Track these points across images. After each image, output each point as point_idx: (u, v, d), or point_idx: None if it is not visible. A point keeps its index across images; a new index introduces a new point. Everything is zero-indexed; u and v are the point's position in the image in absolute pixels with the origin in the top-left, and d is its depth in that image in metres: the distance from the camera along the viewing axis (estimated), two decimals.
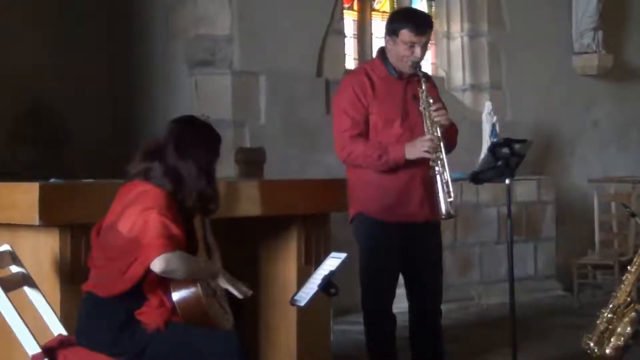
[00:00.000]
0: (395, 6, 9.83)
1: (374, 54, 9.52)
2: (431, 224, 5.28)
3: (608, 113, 10.92)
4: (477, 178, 5.25)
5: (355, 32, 9.47)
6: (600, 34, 10.54)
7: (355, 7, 9.50)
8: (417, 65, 5.15)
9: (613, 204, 9.38)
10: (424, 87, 5.11)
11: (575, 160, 10.63)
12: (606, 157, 10.84)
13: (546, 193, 9.70)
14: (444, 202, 5.01)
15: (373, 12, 9.65)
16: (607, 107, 10.90)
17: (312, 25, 8.65)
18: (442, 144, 5.05)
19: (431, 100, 5.11)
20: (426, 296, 5.39)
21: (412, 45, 5.13)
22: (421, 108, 5.11)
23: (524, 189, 9.39)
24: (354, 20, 9.46)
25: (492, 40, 10.05)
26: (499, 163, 5.08)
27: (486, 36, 10.04)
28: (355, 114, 5.16)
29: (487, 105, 9.46)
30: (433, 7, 10.06)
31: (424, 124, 5.09)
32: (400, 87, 5.22)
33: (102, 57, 8.44)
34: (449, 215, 5.04)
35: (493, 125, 9.27)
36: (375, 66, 5.31)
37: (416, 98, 5.14)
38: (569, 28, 10.59)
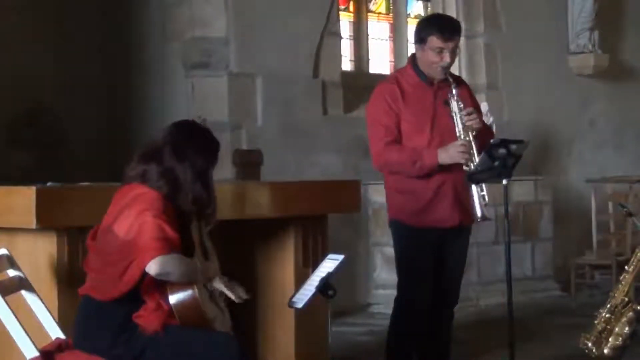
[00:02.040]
0: (391, 7, 9.84)
1: (370, 55, 9.65)
2: (461, 229, 5.31)
3: (604, 113, 10.92)
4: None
5: (352, 34, 9.46)
6: (596, 33, 10.54)
7: (351, 8, 9.49)
8: (447, 70, 5.17)
9: (610, 204, 9.37)
10: (454, 92, 5.13)
11: (572, 160, 10.63)
12: (603, 157, 10.84)
13: (543, 193, 9.68)
14: (480, 206, 5.06)
15: (369, 14, 9.64)
16: (604, 106, 10.90)
17: (308, 26, 8.65)
18: (474, 148, 5.08)
19: (462, 105, 5.12)
20: (443, 300, 5.41)
21: (440, 51, 5.15)
22: (452, 113, 5.14)
23: (521, 190, 9.37)
24: (350, 22, 9.46)
25: (488, 40, 10.05)
26: (496, 163, 5.07)
27: (482, 37, 10.03)
28: (387, 121, 5.20)
29: (484, 106, 9.41)
30: (429, 8, 10.06)
31: (456, 129, 5.12)
32: (431, 93, 5.25)
33: (99, 60, 8.43)
34: (484, 219, 5.09)
35: (490, 126, 9.25)
36: (407, 73, 5.34)
37: (447, 103, 5.16)
38: (565, 28, 10.59)
